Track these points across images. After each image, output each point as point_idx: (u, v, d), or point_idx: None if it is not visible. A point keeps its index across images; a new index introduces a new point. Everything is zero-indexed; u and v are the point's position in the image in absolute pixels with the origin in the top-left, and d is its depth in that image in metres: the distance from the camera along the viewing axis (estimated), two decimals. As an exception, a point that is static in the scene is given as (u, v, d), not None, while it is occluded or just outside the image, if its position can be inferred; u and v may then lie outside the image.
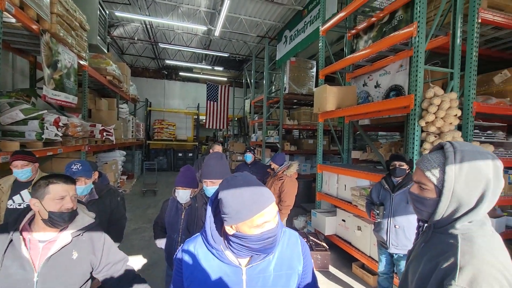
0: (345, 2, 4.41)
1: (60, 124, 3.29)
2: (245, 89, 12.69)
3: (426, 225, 0.89)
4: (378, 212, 2.48)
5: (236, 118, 13.99)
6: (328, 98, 3.98)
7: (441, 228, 0.82)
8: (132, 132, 8.66)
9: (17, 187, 2.13)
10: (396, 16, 3.58)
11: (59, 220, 1.15)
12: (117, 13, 7.52)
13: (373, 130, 5.99)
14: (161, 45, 9.96)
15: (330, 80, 5.02)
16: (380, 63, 3.89)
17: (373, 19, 3.99)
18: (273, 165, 3.37)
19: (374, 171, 3.63)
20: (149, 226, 5.04)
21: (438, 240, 0.81)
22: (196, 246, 0.98)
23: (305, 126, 8.02)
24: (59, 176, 1.20)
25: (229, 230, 0.88)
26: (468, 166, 0.75)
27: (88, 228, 1.27)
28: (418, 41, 2.69)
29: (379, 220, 2.51)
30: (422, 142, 2.85)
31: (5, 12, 2.38)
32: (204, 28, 8.57)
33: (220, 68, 12.57)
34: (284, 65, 7.48)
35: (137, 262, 3.66)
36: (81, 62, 4.30)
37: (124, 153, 7.80)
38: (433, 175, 0.80)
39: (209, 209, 0.94)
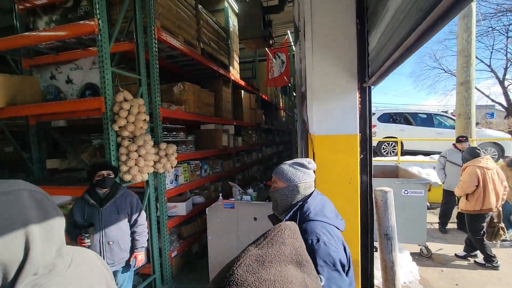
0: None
1: None
2: None
3: None
4: (87, 235, 2.12)
5: None
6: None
7: None
8: None
9: None
10: (82, 6, 3.16)
11: None
12: None
13: (75, 133, 4.76)
14: None
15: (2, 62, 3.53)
16: (69, 55, 3.30)
17: (54, -2, 3.26)
18: None
19: (75, 183, 3.10)
20: None
21: None
22: None
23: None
24: None
25: None
26: None
27: None
28: (101, 40, 2.51)
29: (90, 244, 2.14)
30: (119, 146, 2.79)
31: None
32: None
33: None
34: None
35: None
36: None
37: None
38: None
39: None
